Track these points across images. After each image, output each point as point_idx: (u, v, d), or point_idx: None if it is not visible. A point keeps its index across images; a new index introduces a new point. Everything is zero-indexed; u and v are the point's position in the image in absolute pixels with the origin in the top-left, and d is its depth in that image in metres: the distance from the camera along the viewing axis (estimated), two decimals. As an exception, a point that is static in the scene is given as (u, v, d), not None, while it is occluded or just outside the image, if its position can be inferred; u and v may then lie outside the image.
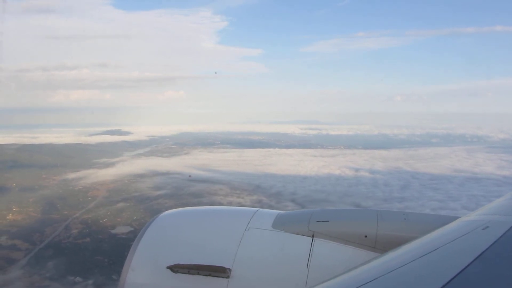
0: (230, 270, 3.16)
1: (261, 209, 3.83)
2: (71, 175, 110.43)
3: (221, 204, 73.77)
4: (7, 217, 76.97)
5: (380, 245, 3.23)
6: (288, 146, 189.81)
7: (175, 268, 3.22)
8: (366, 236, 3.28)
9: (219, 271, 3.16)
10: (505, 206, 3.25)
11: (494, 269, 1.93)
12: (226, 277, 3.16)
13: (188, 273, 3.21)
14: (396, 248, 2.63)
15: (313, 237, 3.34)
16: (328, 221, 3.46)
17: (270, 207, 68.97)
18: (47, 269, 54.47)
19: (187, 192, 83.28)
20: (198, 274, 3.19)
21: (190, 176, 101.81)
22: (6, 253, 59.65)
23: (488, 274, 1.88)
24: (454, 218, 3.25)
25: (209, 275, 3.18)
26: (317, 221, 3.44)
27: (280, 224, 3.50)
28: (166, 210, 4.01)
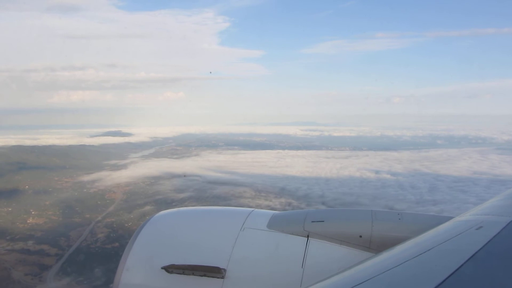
0: (225, 270, 3.16)
1: (256, 210, 3.79)
2: (84, 178, 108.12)
3: (249, 207, 72.07)
4: (28, 221, 74.74)
5: (375, 245, 3.22)
6: (293, 148, 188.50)
7: (170, 269, 3.19)
8: (361, 236, 3.27)
9: (214, 272, 3.15)
10: (499, 206, 3.21)
11: (487, 269, 1.96)
12: (221, 278, 3.14)
13: (183, 273, 3.18)
14: (390, 248, 2.63)
15: (308, 237, 3.33)
16: (323, 221, 3.42)
17: (302, 209, 67.29)
18: (84, 276, 52.44)
19: (211, 195, 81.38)
20: (193, 274, 3.17)
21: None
22: (37, 258, 57.53)
23: (482, 274, 1.91)
24: (448, 218, 3.22)
25: (204, 275, 3.16)
26: (312, 221, 3.41)
27: (275, 224, 3.48)
28: None
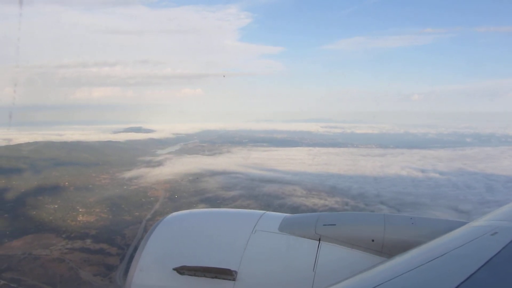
0: (236, 272, 3.14)
1: (267, 212, 3.77)
2: (122, 174, 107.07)
3: (305, 206, 70.16)
4: (78, 218, 73.64)
5: (387, 249, 3.19)
6: (317, 145, 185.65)
7: (182, 270, 3.19)
8: (373, 240, 3.24)
9: (226, 274, 3.14)
10: None
11: (502, 275, 1.93)
12: (233, 280, 3.13)
13: (195, 275, 3.18)
14: (403, 253, 2.61)
15: (319, 240, 3.31)
16: (335, 224, 3.40)
17: (362, 209, 65.08)
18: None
19: (262, 193, 79.24)
20: (204, 276, 3.17)
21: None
22: (101, 258, 56.24)
23: (496, 280, 1.88)
24: (462, 223, 3.18)
25: (216, 277, 3.15)
26: (324, 225, 3.40)
27: (286, 227, 3.47)
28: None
